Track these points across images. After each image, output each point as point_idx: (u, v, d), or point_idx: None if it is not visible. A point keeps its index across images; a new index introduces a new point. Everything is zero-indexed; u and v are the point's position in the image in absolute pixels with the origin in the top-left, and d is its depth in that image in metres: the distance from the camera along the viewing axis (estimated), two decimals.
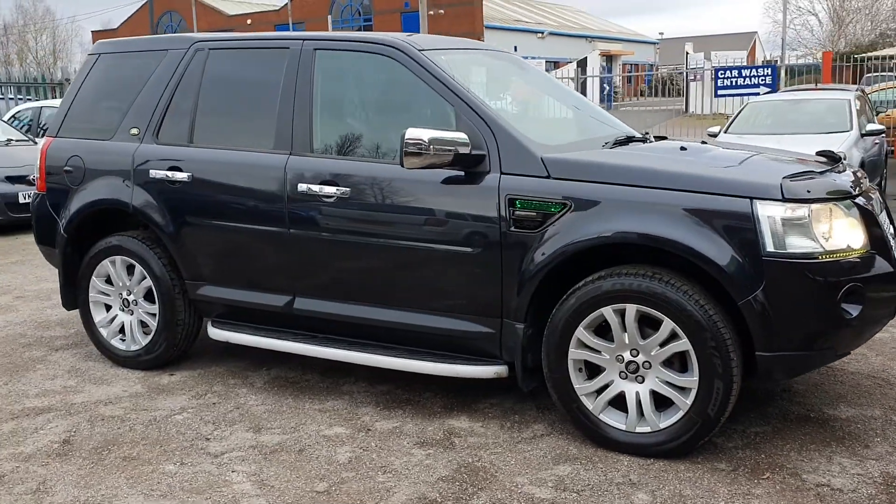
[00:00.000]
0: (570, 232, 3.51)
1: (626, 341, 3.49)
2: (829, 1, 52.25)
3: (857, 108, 11.13)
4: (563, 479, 3.33)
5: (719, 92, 19.07)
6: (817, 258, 3.26)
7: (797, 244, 3.27)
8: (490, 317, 3.78)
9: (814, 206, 3.32)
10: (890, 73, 30.78)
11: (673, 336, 3.40)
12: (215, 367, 4.81)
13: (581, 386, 3.60)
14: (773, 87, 18.52)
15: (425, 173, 3.80)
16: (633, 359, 3.50)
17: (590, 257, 3.63)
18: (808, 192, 3.35)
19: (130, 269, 4.73)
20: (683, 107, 30.88)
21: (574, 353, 3.59)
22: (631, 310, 3.45)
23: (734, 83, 18.81)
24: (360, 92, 4.39)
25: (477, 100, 3.84)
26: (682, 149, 4.02)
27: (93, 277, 4.81)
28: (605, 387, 3.58)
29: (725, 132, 11.06)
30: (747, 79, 18.76)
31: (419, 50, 4.03)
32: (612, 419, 3.58)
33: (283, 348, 4.28)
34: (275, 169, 4.16)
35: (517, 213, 3.63)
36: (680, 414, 3.44)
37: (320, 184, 4.03)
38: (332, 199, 4.00)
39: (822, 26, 53.63)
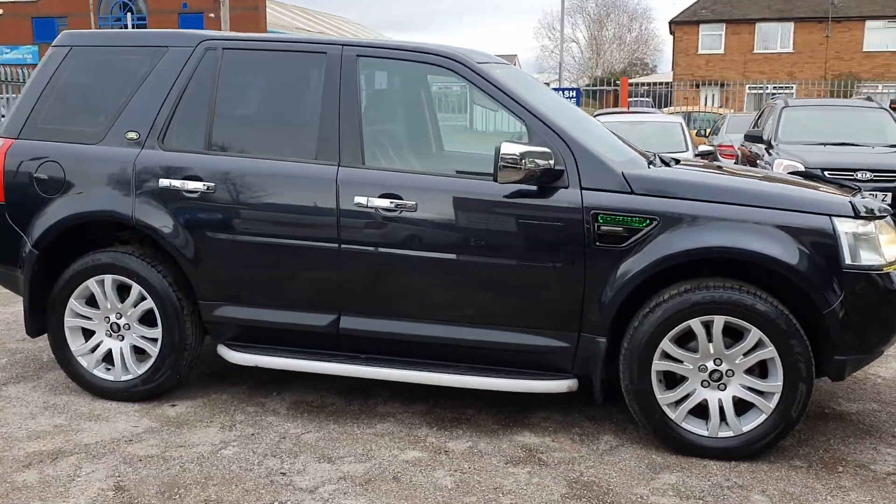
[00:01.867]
0: (662, 246, 3.62)
1: (711, 351, 3.66)
2: (588, 30, 56.68)
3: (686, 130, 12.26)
4: (677, 487, 3.43)
5: None
6: (881, 269, 3.62)
7: (867, 257, 3.61)
8: (567, 331, 3.80)
9: (876, 222, 3.68)
10: (644, 98, 34.13)
11: (758, 345, 3.61)
12: (215, 395, 4.40)
13: (663, 396, 3.72)
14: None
15: (495, 187, 3.75)
16: (716, 368, 3.67)
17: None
18: (871, 209, 3.71)
19: (122, 290, 4.21)
20: (468, 123, 32.21)
21: (658, 365, 3.70)
22: (719, 321, 3.62)
23: None
24: (412, 102, 4.24)
25: (551, 115, 3.86)
26: (719, 167, 4.28)
27: (71, 300, 4.23)
28: (687, 396, 3.72)
29: None
30: None
31: (478, 63, 3.98)
32: (694, 426, 3.73)
33: (332, 371, 4.01)
34: (323, 181, 3.91)
35: (602, 228, 3.68)
36: (762, 417, 3.66)
37: (380, 197, 3.84)
38: (394, 213, 3.83)
39: (582, 53, 58.06)
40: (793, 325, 3.56)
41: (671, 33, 43.89)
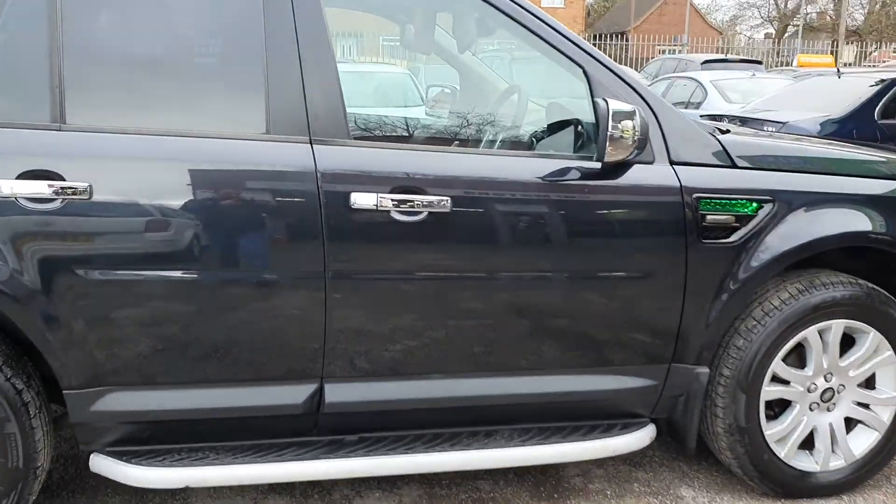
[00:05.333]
0: (793, 236, 2.68)
1: (825, 365, 2.85)
2: None
3: None
4: None
5: None
6: None
7: None
8: (655, 363, 2.73)
9: None
10: None
11: (876, 350, 2.88)
12: None
13: (771, 432, 2.84)
14: None
15: (540, 167, 2.55)
16: (827, 385, 2.88)
17: None
18: None
19: None
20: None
21: (767, 392, 2.81)
22: (838, 326, 2.81)
23: None
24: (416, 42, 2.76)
25: (616, 65, 2.69)
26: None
27: None
28: (796, 425, 2.88)
29: None
30: None
31: None
32: (802, 462, 2.92)
33: (323, 475, 2.50)
34: (290, 170, 2.35)
35: (709, 217, 2.64)
36: (875, 436, 2.96)
37: (393, 192, 2.40)
38: (419, 217, 2.42)
39: None
40: None
41: None
